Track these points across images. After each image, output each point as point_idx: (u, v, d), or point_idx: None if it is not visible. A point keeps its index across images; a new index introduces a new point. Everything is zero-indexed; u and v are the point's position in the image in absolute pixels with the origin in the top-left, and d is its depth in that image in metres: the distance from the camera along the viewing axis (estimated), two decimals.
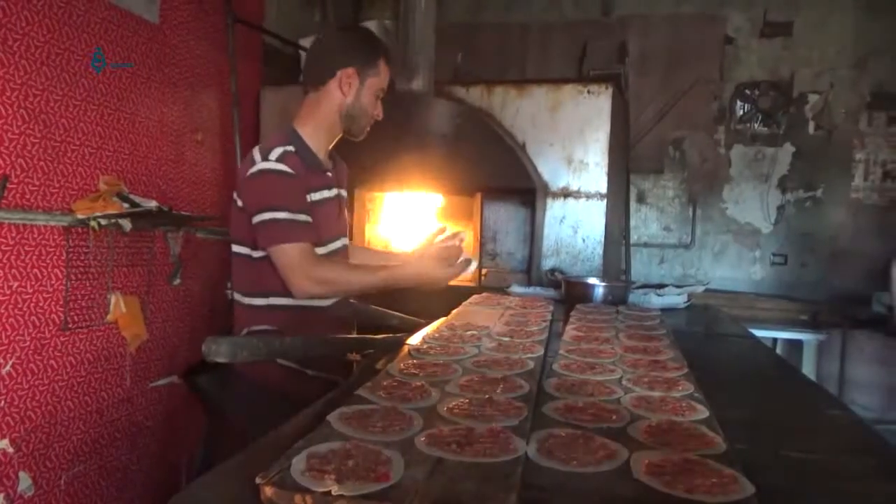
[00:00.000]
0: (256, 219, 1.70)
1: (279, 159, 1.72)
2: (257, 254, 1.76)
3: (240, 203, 1.76)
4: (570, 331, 1.69)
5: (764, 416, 1.21)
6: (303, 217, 1.72)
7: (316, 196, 1.82)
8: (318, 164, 1.86)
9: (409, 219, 3.52)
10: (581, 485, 0.79)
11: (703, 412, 1.05)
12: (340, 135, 1.93)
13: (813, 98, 4.51)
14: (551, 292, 2.61)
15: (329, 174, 1.90)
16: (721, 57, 4.62)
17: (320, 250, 1.81)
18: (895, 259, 3.58)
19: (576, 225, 2.99)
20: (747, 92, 4.62)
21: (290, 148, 1.77)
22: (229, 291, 3.19)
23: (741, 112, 4.64)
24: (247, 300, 1.82)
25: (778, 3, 4.53)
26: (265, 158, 1.72)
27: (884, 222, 4.35)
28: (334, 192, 1.92)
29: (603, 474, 0.81)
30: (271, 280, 1.73)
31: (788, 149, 4.56)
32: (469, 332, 1.63)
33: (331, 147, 1.94)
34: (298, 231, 1.70)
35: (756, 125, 4.61)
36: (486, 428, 0.93)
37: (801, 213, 4.56)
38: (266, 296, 1.78)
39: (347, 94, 1.82)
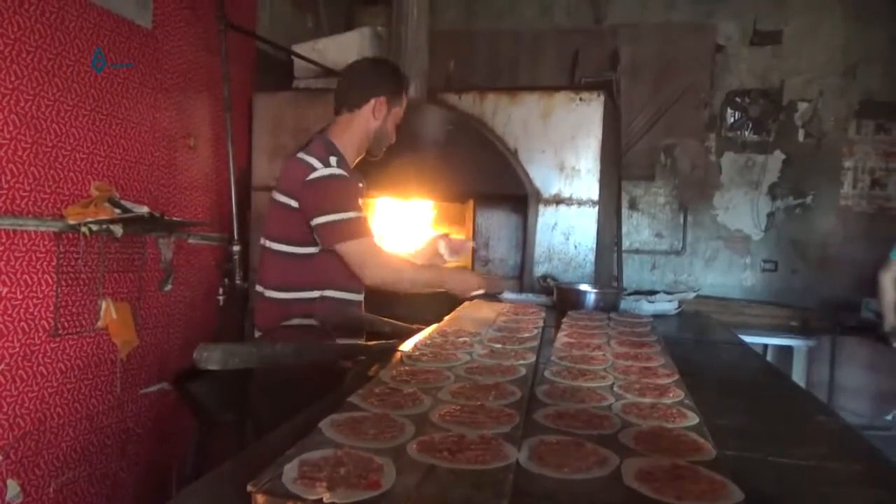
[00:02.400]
0: (324, 219, 1.85)
1: (338, 165, 1.92)
2: (308, 250, 1.91)
3: (294, 205, 1.88)
4: (561, 337, 1.70)
5: (753, 422, 1.22)
6: (364, 216, 1.95)
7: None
8: (355, 174, 2.05)
9: (402, 225, 3.53)
10: (572, 491, 0.79)
11: (693, 419, 1.05)
12: (363, 155, 2.14)
13: (802, 106, 4.55)
14: (543, 299, 2.62)
15: (361, 185, 2.07)
16: (711, 65, 4.66)
17: None
18: (882, 266, 3.61)
19: (567, 231, 2.99)
20: (737, 100, 4.66)
21: (339, 157, 1.96)
22: (220, 298, 3.19)
23: (732, 119, 4.67)
24: (285, 295, 1.94)
25: (768, 11, 4.58)
26: (327, 165, 1.89)
27: (872, 229, 4.38)
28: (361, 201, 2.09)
29: (593, 481, 0.81)
30: (323, 275, 1.93)
31: (778, 156, 4.60)
32: (461, 339, 1.63)
33: (353, 165, 2.10)
34: (367, 228, 1.94)
35: (746, 132, 4.65)
36: (478, 435, 0.93)
37: (790, 220, 4.59)
38: (313, 290, 1.93)
39: (378, 119, 2.05)
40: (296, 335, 1.93)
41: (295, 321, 1.95)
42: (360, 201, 2.00)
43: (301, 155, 1.94)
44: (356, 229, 1.89)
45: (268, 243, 1.99)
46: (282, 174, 2.00)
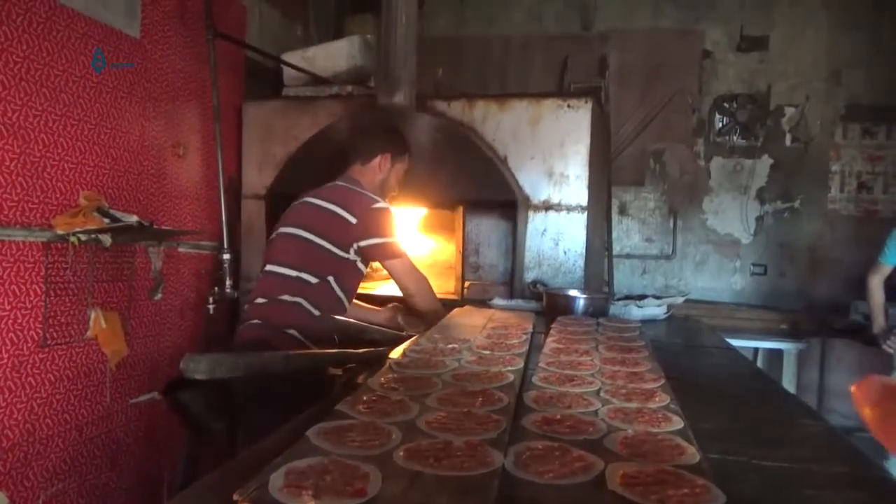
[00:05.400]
0: (380, 239, 2.26)
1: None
2: (338, 252, 2.24)
3: (345, 216, 2.24)
4: (550, 343, 1.70)
5: (738, 426, 1.23)
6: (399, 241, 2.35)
7: None
8: None
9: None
10: (557, 497, 0.80)
11: (678, 423, 1.06)
12: None
13: (789, 111, 4.60)
14: (533, 304, 2.62)
15: None
16: (699, 70, 4.70)
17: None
18: (871, 268, 3.64)
19: (557, 237, 3.01)
20: (725, 105, 4.70)
21: None
22: (210, 306, 3.18)
23: (720, 124, 4.71)
24: (292, 272, 2.22)
25: (754, 17, 4.63)
26: (382, 199, 2.37)
27: (860, 232, 4.43)
28: None
29: (578, 486, 0.82)
30: (334, 268, 2.24)
31: (766, 160, 4.64)
32: (450, 346, 1.64)
33: None
34: (404, 249, 2.35)
35: (734, 137, 4.69)
36: (464, 441, 0.94)
37: (779, 224, 4.63)
38: (317, 276, 2.22)
39: (383, 172, 2.48)
40: (285, 310, 2.19)
41: (287, 297, 2.19)
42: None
43: (354, 187, 2.36)
44: (398, 250, 2.32)
45: (299, 231, 2.26)
46: (329, 192, 2.34)
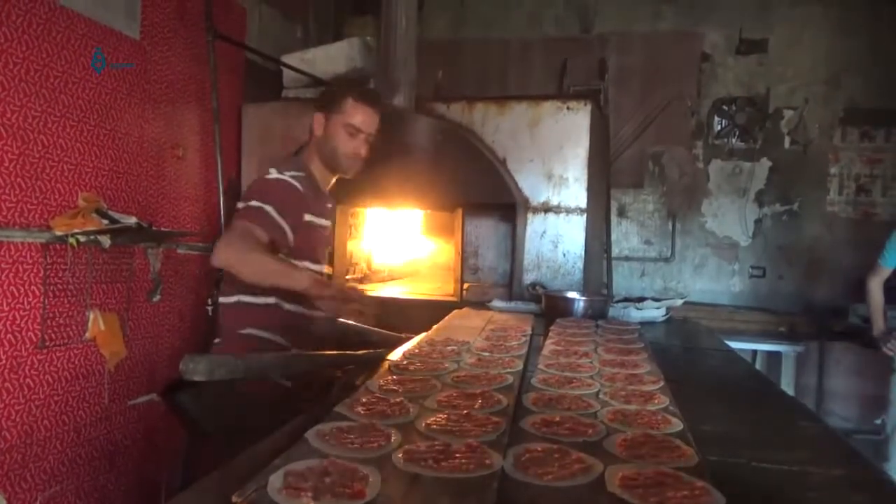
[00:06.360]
0: (241, 204, 1.91)
1: (293, 177, 1.98)
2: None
3: (240, 205, 1.94)
4: (549, 345, 1.71)
5: (737, 427, 1.23)
6: (279, 220, 1.87)
7: (315, 220, 2.04)
8: (322, 194, 2.13)
9: (391, 234, 3.54)
10: (556, 498, 0.80)
11: (677, 425, 1.06)
12: (335, 175, 2.15)
13: (788, 113, 4.60)
14: (532, 306, 2.62)
15: (329, 206, 2.18)
16: (698, 73, 4.71)
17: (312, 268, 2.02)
18: (870, 271, 3.64)
19: (556, 239, 3.01)
20: (724, 108, 4.70)
21: (302, 173, 2.02)
22: (209, 308, 3.18)
23: (719, 127, 4.72)
24: (244, 298, 1.94)
25: (753, 20, 4.64)
26: (281, 172, 1.98)
27: (858, 235, 4.43)
28: (329, 223, 2.18)
29: (577, 488, 0.82)
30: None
31: (765, 163, 4.64)
32: (449, 348, 1.64)
33: (329, 186, 2.17)
34: (263, 219, 1.85)
35: (733, 140, 4.70)
36: (464, 443, 0.94)
37: (778, 227, 4.63)
38: (262, 295, 1.93)
39: (319, 131, 2.08)
40: (228, 312, 1.97)
41: (249, 330, 1.93)
42: (318, 221, 2.04)
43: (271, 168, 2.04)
44: (251, 216, 1.85)
45: None
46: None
